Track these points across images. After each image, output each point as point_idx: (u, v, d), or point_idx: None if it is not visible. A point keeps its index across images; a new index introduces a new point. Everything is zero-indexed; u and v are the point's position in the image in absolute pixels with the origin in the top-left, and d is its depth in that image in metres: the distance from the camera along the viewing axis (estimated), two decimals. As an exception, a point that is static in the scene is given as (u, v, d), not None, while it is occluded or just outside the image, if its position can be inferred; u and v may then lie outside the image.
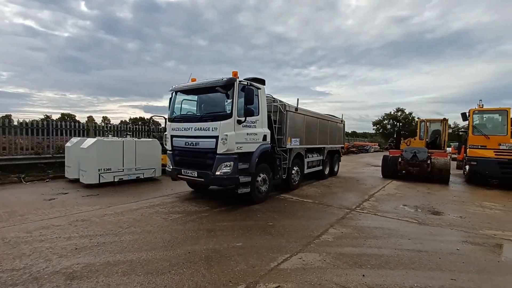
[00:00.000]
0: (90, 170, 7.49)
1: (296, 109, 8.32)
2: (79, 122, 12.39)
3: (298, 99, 8.54)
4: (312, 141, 9.57)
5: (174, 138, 6.74)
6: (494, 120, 10.96)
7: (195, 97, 7.09)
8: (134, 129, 12.58)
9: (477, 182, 10.76)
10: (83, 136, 11.04)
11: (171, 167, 6.74)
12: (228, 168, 5.82)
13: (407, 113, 58.91)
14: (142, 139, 9.28)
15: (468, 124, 10.97)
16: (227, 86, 5.97)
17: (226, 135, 5.74)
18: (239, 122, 5.96)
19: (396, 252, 3.90)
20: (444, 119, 13.99)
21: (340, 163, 13.11)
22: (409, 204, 6.88)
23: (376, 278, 3.16)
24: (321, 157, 10.50)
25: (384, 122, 60.65)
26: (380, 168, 12.74)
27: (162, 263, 3.36)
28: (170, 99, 7.04)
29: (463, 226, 5.22)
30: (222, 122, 5.85)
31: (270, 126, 7.03)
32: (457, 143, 19.81)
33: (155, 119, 14.94)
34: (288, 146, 7.79)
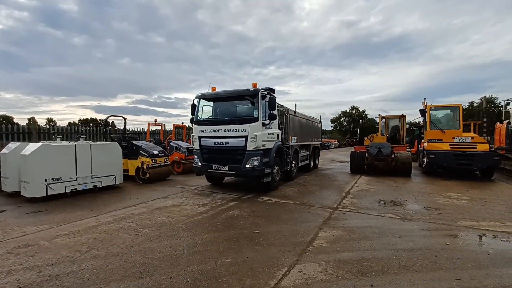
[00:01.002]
0: (34, 181, 6.28)
1: (295, 112, 9.92)
2: (17, 124, 10.59)
3: (296, 105, 10.15)
4: (304, 139, 11.07)
5: (202, 139, 7.75)
6: (447, 116, 11.88)
7: (211, 103, 8.25)
8: (88, 131, 11.10)
9: (433, 173, 11.58)
10: (24, 140, 9.42)
11: (200, 164, 7.77)
12: (256, 161, 7.08)
13: (360, 111, 63.05)
14: (98, 142, 8.14)
15: (425, 120, 11.74)
16: (253, 95, 7.25)
17: (255, 135, 7.04)
18: (263, 124, 7.31)
19: (394, 253, 3.74)
20: (402, 115, 14.91)
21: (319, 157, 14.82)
22: (385, 199, 6.98)
23: (386, 287, 2.91)
24: (308, 152, 12.04)
25: (341, 120, 64.06)
26: (346, 163, 13.32)
27: (139, 296, 2.72)
28: (193, 105, 7.99)
29: (442, 219, 5.35)
30: (250, 124, 7.10)
31: (278, 127, 8.32)
32: (408, 138, 21.44)
33: (111, 120, 13.43)
34: (290, 143, 9.24)
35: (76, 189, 6.94)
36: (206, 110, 8.21)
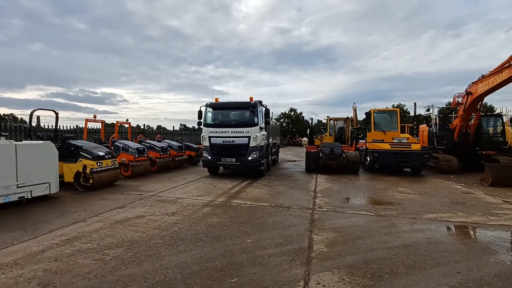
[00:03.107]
0: None
1: (271, 119, 13.13)
2: None
3: (272, 112, 13.13)
4: (274, 138, 14.07)
5: (212, 138, 9.98)
6: (386, 118, 13.25)
7: (210, 110, 10.46)
8: (10, 128, 8.70)
9: (374, 170, 12.71)
10: None
11: (210, 157, 9.91)
12: (256, 155, 9.64)
13: (298, 113, 67.04)
14: (26, 142, 6.42)
15: (370, 122, 12.89)
16: (254, 106, 9.91)
17: (256, 135, 9.65)
18: (261, 128, 9.96)
19: (392, 252, 3.80)
20: (347, 118, 16.15)
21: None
22: (351, 197, 7.29)
23: (407, 289, 2.87)
24: (275, 149, 14.79)
25: (281, 121, 67.00)
26: (296, 162, 13.94)
27: None
28: (200, 111, 10.26)
29: (408, 213, 5.78)
30: (252, 128, 9.68)
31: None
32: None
33: (37, 115, 10.94)
34: (270, 141, 12.04)
35: (-6, 202, 5.30)
36: (209, 116, 10.36)
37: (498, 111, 14.58)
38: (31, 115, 7.89)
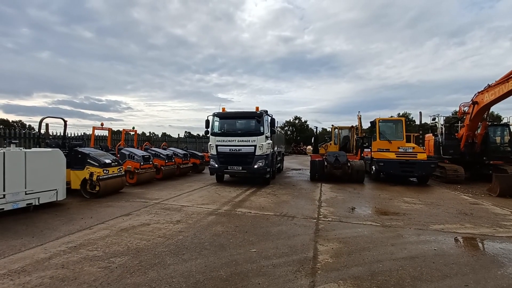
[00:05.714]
0: None
1: (276, 127, 12.57)
2: None
3: (277, 122, 12.40)
4: (279, 146, 14.46)
5: (219, 147, 10.23)
6: (392, 128, 13.20)
7: (218, 119, 10.71)
8: (20, 136, 8.89)
9: (379, 179, 12.60)
10: None
11: (217, 165, 10.19)
12: (261, 163, 9.89)
13: (302, 121, 67.11)
14: (34, 149, 6.56)
15: (374, 131, 12.85)
16: (260, 116, 10.13)
17: (262, 144, 9.90)
18: (266, 137, 10.23)
19: (397, 264, 3.75)
20: (352, 126, 16.13)
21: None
22: (356, 207, 7.23)
23: (414, 302, 2.83)
24: (280, 158, 15.19)
25: (286, 129, 67.07)
26: (301, 171, 13.95)
27: None
28: (207, 120, 10.56)
29: (414, 223, 5.72)
30: (258, 137, 9.91)
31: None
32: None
33: (46, 122, 11.16)
34: (275, 150, 12.35)
35: (3, 209, 5.38)
36: (216, 125, 10.63)
37: (505, 120, 14.46)
38: (40, 123, 8.08)
